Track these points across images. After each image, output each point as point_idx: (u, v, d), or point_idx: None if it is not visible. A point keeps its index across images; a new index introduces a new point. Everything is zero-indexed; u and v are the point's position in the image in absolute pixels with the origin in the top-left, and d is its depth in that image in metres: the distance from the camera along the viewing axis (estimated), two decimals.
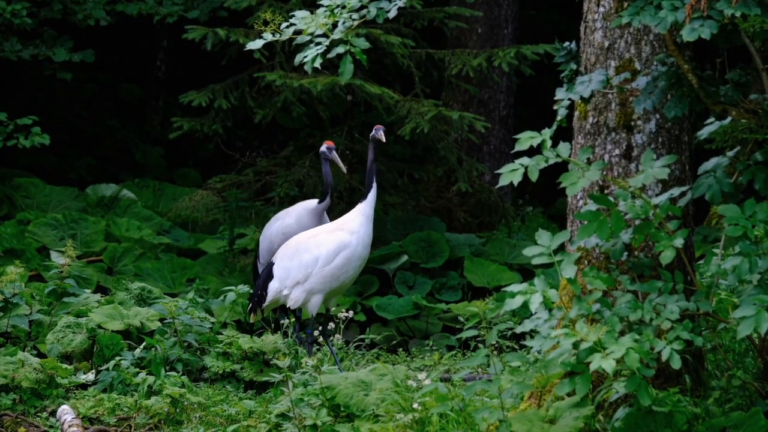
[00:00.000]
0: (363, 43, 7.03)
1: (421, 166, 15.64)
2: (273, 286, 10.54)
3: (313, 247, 10.39)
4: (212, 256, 15.32)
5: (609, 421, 6.82)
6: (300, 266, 10.40)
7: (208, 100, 14.97)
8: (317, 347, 11.05)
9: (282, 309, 11.16)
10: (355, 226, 10.38)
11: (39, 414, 9.57)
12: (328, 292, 10.46)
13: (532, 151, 6.65)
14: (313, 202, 11.58)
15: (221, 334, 10.74)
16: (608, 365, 6.16)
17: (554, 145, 6.62)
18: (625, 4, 7.14)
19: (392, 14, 7.04)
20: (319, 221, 11.43)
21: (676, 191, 6.83)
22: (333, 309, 10.83)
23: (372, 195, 10.40)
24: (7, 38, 16.23)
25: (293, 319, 10.75)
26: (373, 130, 10.70)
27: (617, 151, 7.24)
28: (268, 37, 7.19)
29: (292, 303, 10.49)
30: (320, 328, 10.74)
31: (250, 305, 10.74)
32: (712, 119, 7.28)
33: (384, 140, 10.75)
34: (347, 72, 6.99)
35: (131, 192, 16.93)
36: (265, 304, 10.62)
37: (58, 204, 16.57)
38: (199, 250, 15.81)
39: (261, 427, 8.76)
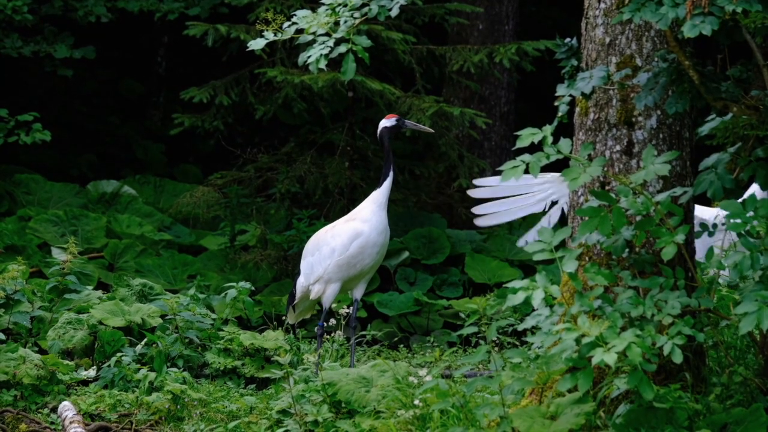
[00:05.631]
0: (365, 41, 7.03)
1: (422, 163, 15.65)
2: (300, 283, 10.53)
3: (330, 239, 10.38)
4: (213, 252, 15.33)
5: (610, 418, 6.83)
6: (321, 259, 10.38)
7: (209, 96, 14.97)
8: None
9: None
10: (367, 214, 10.34)
11: (40, 410, 9.58)
12: (345, 280, 10.40)
13: (533, 148, 6.65)
14: None
15: (222, 330, 10.74)
16: (610, 359, 6.16)
17: (555, 141, 6.62)
18: (626, 0, 7.14)
19: (394, 12, 7.03)
20: None
21: (678, 190, 6.83)
22: (359, 298, 10.66)
23: (387, 183, 10.30)
24: (8, 34, 16.23)
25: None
26: (395, 120, 10.48)
27: (618, 148, 7.24)
28: (270, 36, 7.18)
29: (313, 294, 10.48)
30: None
31: (287, 306, 10.75)
32: (713, 115, 7.28)
33: (432, 131, 10.71)
34: (350, 71, 6.99)
35: (132, 188, 16.93)
36: (295, 302, 10.60)
37: (59, 200, 16.58)
38: (200, 247, 15.82)
39: (262, 423, 8.77)
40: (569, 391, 6.76)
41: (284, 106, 15.15)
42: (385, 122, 10.44)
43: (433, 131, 10.94)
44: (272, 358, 10.41)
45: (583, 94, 6.83)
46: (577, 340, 6.28)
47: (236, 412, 9.28)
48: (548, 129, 6.63)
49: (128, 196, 16.70)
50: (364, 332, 12.15)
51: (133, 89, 20.93)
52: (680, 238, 6.48)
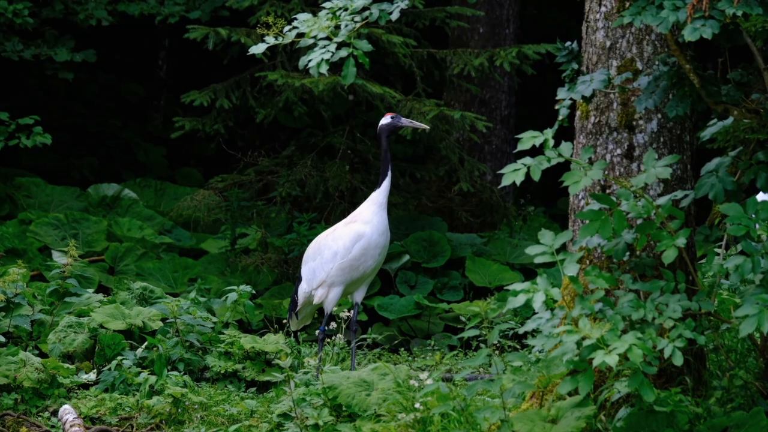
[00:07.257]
0: (366, 46, 7.03)
1: (423, 166, 15.65)
2: (302, 288, 10.50)
3: (331, 242, 10.36)
4: (214, 255, 15.33)
5: (611, 421, 6.83)
6: (323, 263, 10.37)
7: (209, 99, 14.98)
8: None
9: (320, 312, 11.06)
10: (368, 215, 10.33)
11: (41, 414, 9.57)
12: (348, 283, 10.39)
13: (534, 151, 6.65)
14: None
15: (223, 333, 10.74)
16: (612, 360, 6.16)
17: (556, 144, 6.62)
18: (627, 4, 7.14)
19: (395, 16, 7.04)
20: None
21: (679, 194, 6.83)
22: (359, 302, 10.65)
23: (386, 183, 10.30)
24: (9, 38, 16.24)
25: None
26: (390, 118, 10.47)
27: (619, 151, 7.24)
28: (271, 40, 7.18)
29: (317, 299, 10.47)
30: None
31: (289, 313, 10.73)
32: (714, 119, 7.28)
33: (427, 127, 10.73)
34: (350, 75, 6.99)
35: (133, 191, 16.93)
36: (297, 308, 10.58)
37: (60, 203, 16.58)
38: (201, 250, 15.82)
39: (263, 426, 8.77)
40: (570, 394, 6.77)
41: (285, 109, 15.15)
42: (384, 120, 10.46)
43: (427, 127, 10.96)
44: (273, 362, 10.41)
45: (583, 97, 6.84)
46: (578, 343, 6.28)
47: (237, 415, 9.28)
48: (549, 132, 6.63)
49: (129, 200, 16.70)
50: (364, 336, 12.14)
51: (134, 92, 20.94)
52: (681, 241, 6.48)
